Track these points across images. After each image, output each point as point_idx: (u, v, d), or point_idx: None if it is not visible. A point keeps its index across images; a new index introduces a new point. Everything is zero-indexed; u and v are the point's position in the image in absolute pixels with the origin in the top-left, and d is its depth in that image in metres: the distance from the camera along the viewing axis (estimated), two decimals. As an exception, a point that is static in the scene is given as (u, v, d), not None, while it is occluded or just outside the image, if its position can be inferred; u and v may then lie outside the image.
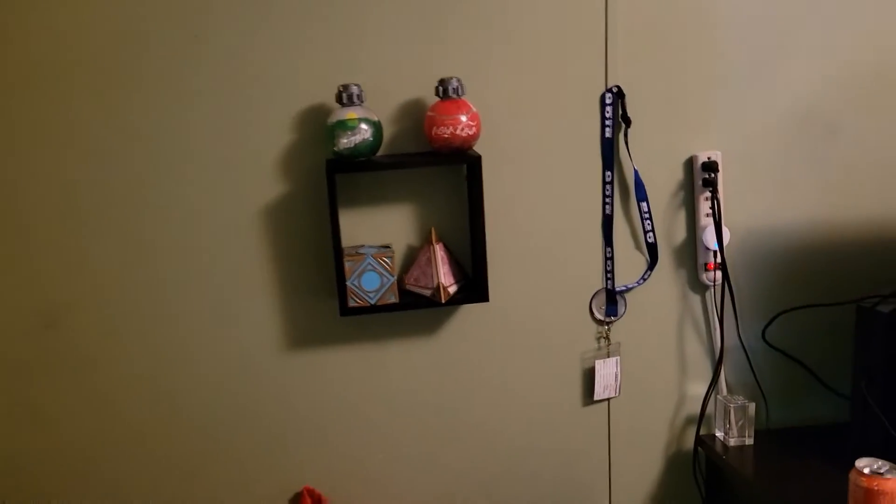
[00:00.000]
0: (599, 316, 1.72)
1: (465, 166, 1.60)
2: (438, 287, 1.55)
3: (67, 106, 1.50)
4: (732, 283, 1.70)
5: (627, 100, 1.61)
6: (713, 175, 1.64)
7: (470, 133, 1.49)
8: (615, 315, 1.72)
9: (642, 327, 1.74)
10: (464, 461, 1.75)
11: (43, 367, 1.60)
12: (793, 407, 1.80)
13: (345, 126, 1.45)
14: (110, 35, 1.48)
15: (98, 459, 1.65)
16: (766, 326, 1.74)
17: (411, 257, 1.64)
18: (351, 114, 1.46)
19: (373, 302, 1.54)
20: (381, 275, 1.53)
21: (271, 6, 1.50)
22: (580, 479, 1.79)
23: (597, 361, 1.73)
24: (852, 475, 1.27)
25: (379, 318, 1.65)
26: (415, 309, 1.57)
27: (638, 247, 1.70)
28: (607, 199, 1.66)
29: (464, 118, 1.47)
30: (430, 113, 1.50)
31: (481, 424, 1.74)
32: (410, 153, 1.58)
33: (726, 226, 1.66)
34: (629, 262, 1.71)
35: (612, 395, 1.76)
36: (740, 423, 1.68)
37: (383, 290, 1.54)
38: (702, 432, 1.77)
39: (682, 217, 1.70)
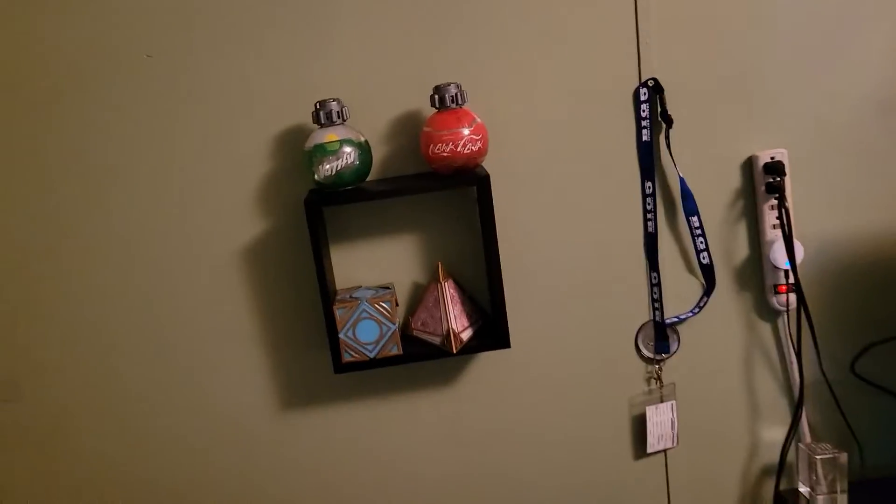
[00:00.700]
0: (648, 353, 1.45)
1: (474, 188, 1.35)
2: (449, 334, 1.30)
3: (11, 150, 1.30)
4: (810, 306, 1.40)
5: (667, 94, 1.33)
6: (779, 179, 1.34)
7: (474, 149, 1.23)
8: (667, 352, 1.44)
9: (701, 364, 1.46)
10: (496, 529, 1.49)
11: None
12: (894, 452, 1.49)
13: (324, 150, 1.22)
14: (50, 63, 1.28)
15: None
16: (857, 357, 1.43)
17: (417, 296, 1.40)
18: (331, 135, 1.22)
19: (371, 356, 1.30)
20: (379, 323, 1.29)
21: (232, 16, 1.27)
22: (637, 544, 1.52)
23: (648, 407, 1.45)
24: None
25: (381, 371, 1.41)
26: (422, 361, 1.32)
27: (690, 269, 1.42)
28: (649, 215, 1.39)
29: (466, 131, 1.22)
30: (425, 128, 1.25)
31: (511, 489, 1.48)
32: (407, 176, 1.34)
33: (797, 239, 1.37)
34: (680, 289, 1.43)
35: (669, 445, 1.48)
36: (830, 476, 1.38)
37: (383, 340, 1.30)
38: (781, 487, 1.47)
39: (742, 231, 1.41)
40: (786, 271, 1.38)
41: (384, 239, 1.37)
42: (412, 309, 1.40)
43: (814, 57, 1.34)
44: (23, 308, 1.37)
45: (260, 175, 1.33)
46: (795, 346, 1.40)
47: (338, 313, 1.28)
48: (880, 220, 1.41)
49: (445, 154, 1.22)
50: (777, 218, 1.37)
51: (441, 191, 1.33)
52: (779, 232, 1.37)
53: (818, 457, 1.37)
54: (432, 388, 1.44)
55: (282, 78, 1.30)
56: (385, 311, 1.29)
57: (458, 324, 1.32)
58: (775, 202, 1.36)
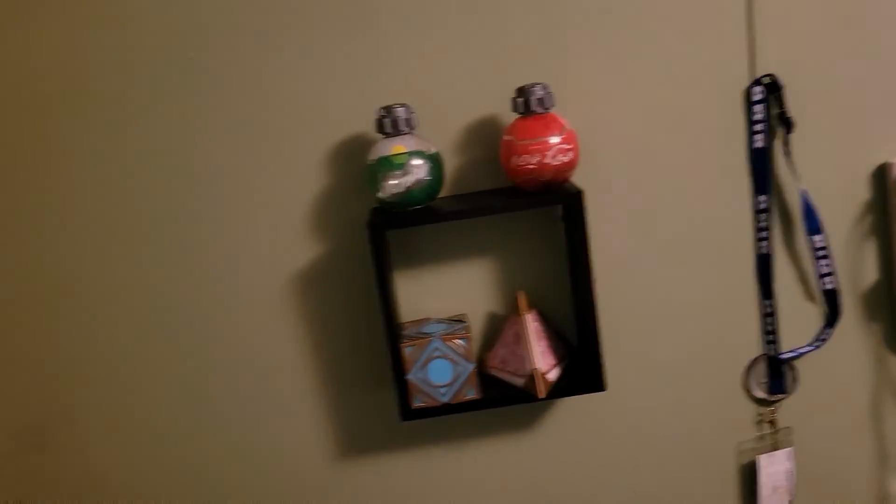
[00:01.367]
0: (760, 393, 1.25)
1: (559, 206, 1.17)
2: (534, 375, 1.12)
3: (46, 177, 1.16)
4: (953, 339, 1.19)
5: (786, 93, 1.14)
6: (920, 191, 1.14)
7: (565, 160, 1.05)
8: (782, 391, 1.24)
9: (822, 406, 1.26)
10: None
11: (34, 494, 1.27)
12: None
13: (391, 164, 1.05)
14: (88, 73, 1.13)
15: None
16: None
17: (494, 330, 1.22)
18: (398, 147, 1.06)
19: (445, 400, 1.13)
20: (453, 363, 1.11)
21: (282, 12, 1.11)
22: None
23: (760, 456, 1.25)
24: None
25: (455, 417, 1.24)
26: (503, 406, 1.14)
27: (809, 296, 1.22)
28: (763, 234, 1.19)
29: (555, 140, 1.04)
30: (506, 137, 1.07)
31: (604, 547, 1.30)
32: (484, 192, 1.16)
33: (942, 261, 1.16)
34: (798, 319, 1.23)
35: (786, 499, 1.27)
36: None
37: (458, 382, 1.12)
38: (917, 548, 1.27)
39: (870, 252, 1.21)
40: (927, 299, 1.18)
41: (455, 264, 1.20)
42: (489, 344, 1.22)
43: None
44: (63, 334, 1.22)
45: (315, 192, 1.17)
46: (939, 387, 1.20)
47: (406, 352, 1.10)
48: None
49: (531, 166, 1.05)
50: (916, 236, 1.17)
51: (526, 210, 1.15)
52: (918, 253, 1.17)
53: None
54: (511, 435, 1.25)
55: (339, 81, 1.13)
56: (461, 349, 1.11)
57: (544, 362, 1.14)
58: (915, 218, 1.16)
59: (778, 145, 1.17)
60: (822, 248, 1.18)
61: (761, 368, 1.24)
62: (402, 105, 1.07)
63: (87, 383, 1.23)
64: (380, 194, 1.06)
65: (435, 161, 1.07)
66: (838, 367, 1.24)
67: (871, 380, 1.24)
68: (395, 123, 1.06)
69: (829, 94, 1.15)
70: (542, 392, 1.11)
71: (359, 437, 1.26)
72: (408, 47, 1.12)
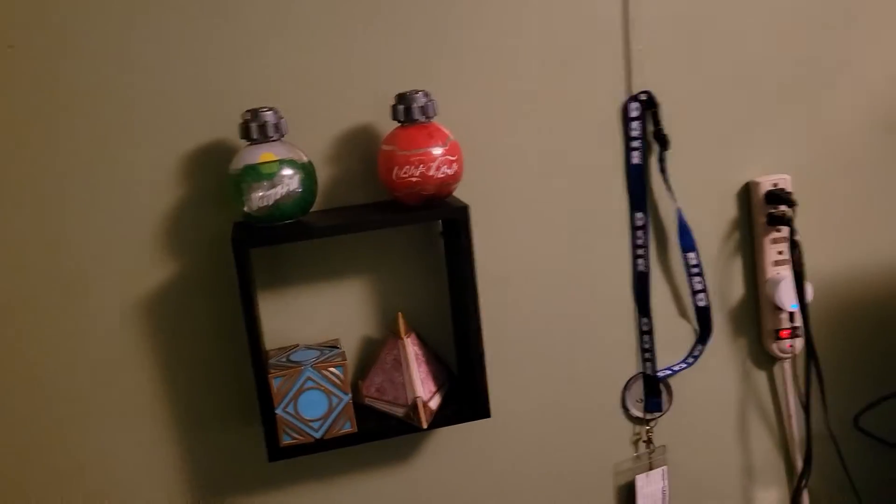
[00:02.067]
0: (637, 412, 1.24)
1: (439, 221, 1.10)
2: (416, 403, 1.03)
3: None
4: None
5: (662, 110, 1.14)
6: (784, 208, 1.17)
7: (449, 172, 0.99)
8: (658, 409, 1.24)
9: (694, 423, 1.26)
10: None
11: None
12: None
13: (258, 174, 0.93)
14: None
15: None
16: (863, 412, 1.28)
17: (369, 356, 1.13)
18: (267, 154, 0.94)
19: (318, 436, 1.02)
20: (328, 394, 1.01)
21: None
22: None
23: (638, 476, 1.24)
24: None
25: (330, 452, 1.13)
26: (383, 439, 1.05)
27: (682, 313, 1.22)
28: (640, 251, 1.18)
29: (439, 151, 0.97)
30: (385, 147, 0.99)
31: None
32: (360, 206, 1.07)
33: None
34: (670, 336, 1.23)
35: (660, 519, 1.27)
36: (839, 546, 1.22)
37: (333, 415, 1.02)
38: (783, 557, 1.30)
39: (737, 268, 1.23)
40: (790, 314, 1.21)
41: (327, 284, 1.09)
42: (363, 371, 1.12)
43: (825, 67, 1.19)
44: None
45: (169, 205, 1.02)
46: (803, 398, 1.23)
47: (275, 384, 0.99)
48: (893, 255, 1.27)
49: (415, 179, 0.97)
50: (779, 253, 1.20)
51: (408, 225, 1.07)
52: (780, 269, 1.20)
53: (830, 525, 1.21)
54: (389, 467, 1.16)
55: (198, 79, 1.00)
56: (336, 379, 1.01)
57: (426, 390, 1.06)
58: (779, 235, 1.19)
59: (654, 162, 1.16)
60: (696, 266, 1.19)
61: (638, 387, 1.23)
62: (271, 108, 0.96)
63: None
64: (246, 208, 0.95)
65: (307, 171, 0.97)
66: (708, 383, 1.25)
67: (737, 393, 1.26)
68: (262, 129, 0.95)
69: (701, 112, 1.16)
70: (424, 422, 1.03)
71: (224, 480, 1.11)
72: (276, 44, 1.02)
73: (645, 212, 1.17)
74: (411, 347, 1.07)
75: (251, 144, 0.96)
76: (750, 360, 1.26)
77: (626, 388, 1.23)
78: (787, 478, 1.31)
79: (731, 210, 1.21)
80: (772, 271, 1.21)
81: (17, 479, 1.06)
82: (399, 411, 1.06)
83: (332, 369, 1.00)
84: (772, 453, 1.30)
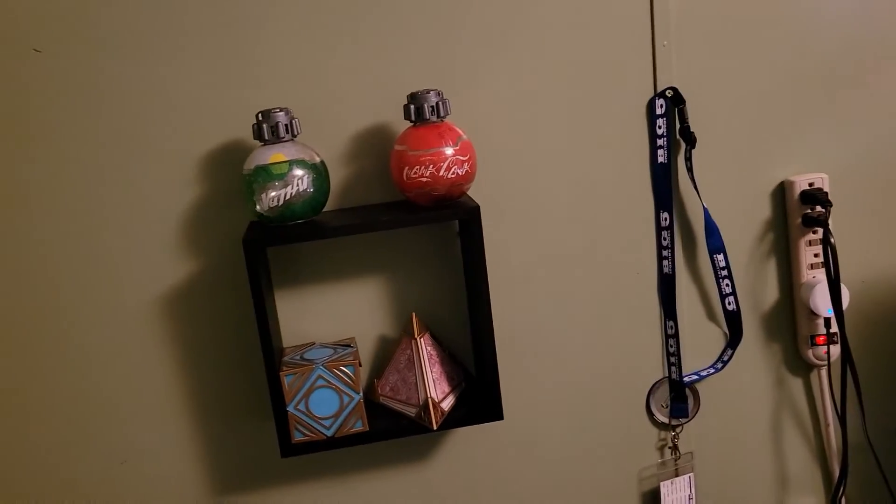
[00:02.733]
0: (662, 418, 1.20)
1: (456, 221, 1.10)
2: (427, 404, 1.03)
3: None
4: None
5: (688, 107, 1.10)
6: (822, 209, 1.12)
7: (461, 173, 0.97)
8: (685, 416, 1.20)
9: (723, 429, 1.22)
10: None
11: None
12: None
13: (268, 174, 0.94)
14: None
15: None
16: (905, 420, 1.22)
17: (385, 355, 1.13)
18: (277, 155, 0.95)
19: (329, 434, 1.03)
20: (339, 392, 1.02)
21: (156, 7, 0.99)
22: None
23: (663, 483, 1.21)
24: None
25: (343, 449, 1.14)
26: (394, 438, 1.05)
27: (712, 317, 1.18)
28: (665, 252, 1.15)
29: (450, 151, 0.96)
30: (398, 147, 0.99)
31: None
32: (373, 206, 1.07)
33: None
34: (699, 341, 1.19)
35: (686, 526, 1.24)
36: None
37: (344, 414, 1.02)
38: (817, 572, 1.25)
39: (771, 271, 1.18)
40: (826, 319, 1.15)
41: (343, 283, 1.10)
42: (379, 370, 1.13)
43: (865, 64, 1.13)
44: None
45: (189, 205, 1.04)
46: (839, 407, 1.18)
47: (286, 381, 1.00)
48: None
49: (425, 179, 0.96)
50: (815, 256, 1.15)
51: (418, 225, 1.06)
52: (816, 273, 1.15)
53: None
54: (403, 467, 1.16)
55: (214, 82, 1.02)
56: (347, 378, 1.01)
57: (438, 390, 1.05)
58: (815, 237, 1.14)
59: (680, 161, 1.13)
60: (725, 268, 1.15)
61: (663, 392, 1.20)
62: (283, 109, 0.96)
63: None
64: (257, 208, 0.96)
65: (319, 172, 0.97)
66: (739, 389, 1.21)
67: (771, 401, 1.22)
68: (274, 129, 0.96)
69: (731, 109, 1.12)
70: (435, 423, 1.03)
71: (238, 474, 1.13)
72: (290, 47, 1.02)
73: (670, 212, 1.13)
74: (425, 347, 1.06)
75: (264, 145, 0.97)
76: (784, 367, 1.21)
77: (651, 392, 1.19)
78: (824, 487, 1.26)
79: (764, 210, 1.16)
80: (807, 275, 1.16)
81: (39, 465, 1.10)
82: (411, 411, 1.06)
83: (343, 368, 1.01)
84: (807, 462, 1.25)
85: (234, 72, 1.02)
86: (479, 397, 1.08)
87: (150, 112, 1.02)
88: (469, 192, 1.08)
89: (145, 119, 1.02)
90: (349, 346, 1.08)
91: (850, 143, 1.15)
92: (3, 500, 1.11)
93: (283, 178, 0.94)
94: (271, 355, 0.99)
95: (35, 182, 1.02)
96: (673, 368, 1.18)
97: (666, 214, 1.13)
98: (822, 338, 1.17)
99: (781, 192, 1.15)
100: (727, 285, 1.15)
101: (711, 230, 1.13)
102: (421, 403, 1.04)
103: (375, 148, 1.06)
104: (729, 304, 1.16)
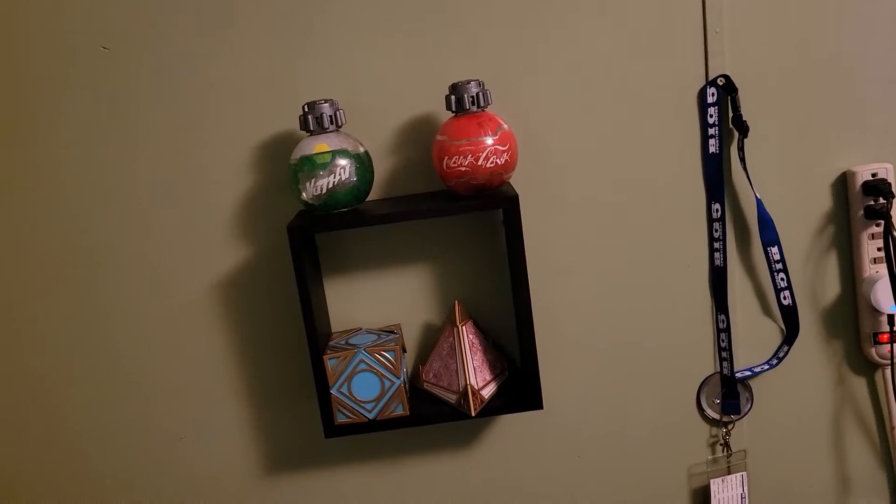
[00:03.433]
0: (713, 414, 1.18)
1: (500, 210, 1.10)
2: (467, 391, 1.05)
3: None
4: (918, 360, 1.12)
5: (741, 95, 1.07)
6: (885, 201, 1.07)
7: (500, 163, 0.98)
8: (737, 412, 1.17)
9: (779, 427, 1.19)
10: None
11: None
12: None
13: (313, 164, 0.98)
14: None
15: None
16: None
17: (430, 341, 1.15)
18: (321, 145, 0.99)
19: (371, 416, 1.06)
20: (381, 377, 1.04)
21: (207, 6, 1.05)
22: None
23: (712, 480, 1.18)
24: None
25: (386, 432, 1.17)
26: (433, 424, 1.07)
27: (767, 312, 1.15)
28: (717, 245, 1.12)
29: (489, 141, 0.97)
30: (439, 137, 1.00)
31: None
32: (417, 196, 1.09)
33: (905, 276, 1.09)
34: (754, 336, 1.16)
35: (738, 526, 1.21)
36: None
37: (385, 398, 1.05)
38: (879, 580, 1.19)
39: (832, 265, 1.14)
40: (890, 316, 1.10)
41: (391, 272, 1.13)
42: (424, 356, 1.15)
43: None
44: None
45: (242, 194, 1.10)
46: (902, 410, 1.12)
47: (329, 364, 1.03)
48: None
49: (463, 169, 0.98)
50: (878, 250, 1.10)
51: (457, 215, 1.08)
52: (881, 268, 1.10)
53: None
54: (446, 454, 1.18)
55: (264, 75, 1.06)
56: (388, 363, 1.04)
57: (479, 378, 1.07)
58: (878, 230, 1.09)
59: (732, 151, 1.10)
60: (780, 261, 1.11)
61: (714, 387, 1.17)
62: (328, 101, 1.00)
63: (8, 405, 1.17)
64: (303, 196, 0.99)
65: (362, 161, 1.00)
66: (796, 386, 1.17)
67: (831, 400, 1.17)
68: (319, 120, 0.99)
69: (787, 98, 1.08)
70: (474, 410, 1.04)
71: (284, 452, 1.18)
72: (337, 41, 1.05)
73: (722, 203, 1.10)
74: (467, 335, 1.08)
75: (309, 136, 1.00)
76: (846, 365, 1.16)
77: (702, 388, 1.17)
78: (889, 491, 1.20)
79: (823, 202, 1.12)
80: (869, 269, 1.11)
81: (101, 438, 1.18)
82: (452, 398, 1.07)
83: (384, 353, 1.04)
84: (870, 464, 1.19)
85: (286, 66, 1.06)
86: (521, 387, 1.09)
87: (206, 105, 1.07)
88: (515, 182, 1.08)
89: (202, 112, 1.07)
90: (393, 332, 1.10)
91: (919, 131, 1.10)
92: (76, 472, 1.19)
93: (327, 168, 0.98)
94: (315, 338, 1.02)
95: (100, 170, 1.09)
96: (724, 363, 1.15)
97: (717, 206, 1.11)
98: (885, 335, 1.12)
99: (843, 182, 1.11)
100: (782, 279, 1.11)
101: (765, 222, 1.10)
102: (461, 390, 1.06)
103: (422, 138, 1.08)
104: (784, 298, 1.12)
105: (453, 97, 0.99)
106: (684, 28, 1.06)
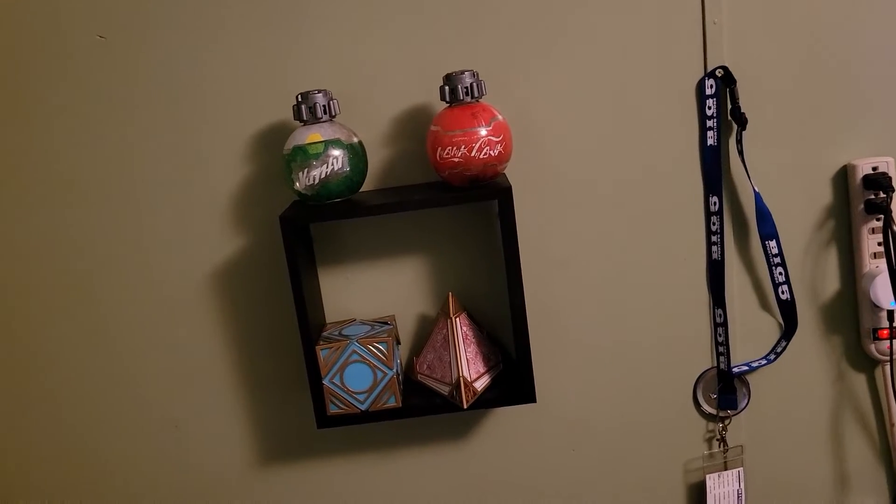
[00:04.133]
0: (710, 409, 1.17)
1: (496, 202, 1.10)
2: (459, 383, 1.04)
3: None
4: (918, 356, 1.11)
5: (740, 87, 1.06)
6: (884, 195, 1.06)
7: (493, 154, 0.98)
8: (734, 407, 1.16)
9: (776, 423, 1.18)
10: None
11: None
12: None
13: (305, 154, 0.97)
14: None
15: None
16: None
17: (425, 332, 1.15)
18: (314, 135, 0.98)
19: (363, 408, 1.05)
20: (373, 368, 1.04)
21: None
22: None
23: (708, 476, 1.17)
24: None
25: (378, 423, 1.17)
26: (425, 415, 1.07)
27: (765, 307, 1.14)
28: (714, 238, 1.11)
29: (483, 132, 0.97)
30: (433, 127, 1.00)
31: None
32: (411, 186, 1.09)
33: (905, 272, 1.08)
34: (752, 330, 1.15)
35: (734, 522, 1.20)
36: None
37: (378, 389, 1.05)
38: (877, 579, 1.18)
39: (832, 260, 1.12)
40: (889, 312, 1.09)
41: (386, 262, 1.12)
42: (418, 347, 1.15)
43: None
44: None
45: (235, 184, 1.09)
46: (901, 407, 1.11)
47: (322, 355, 1.03)
48: None
49: (456, 159, 0.97)
50: (879, 245, 1.08)
51: (451, 206, 1.07)
52: (881, 262, 1.09)
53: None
54: (440, 446, 1.18)
55: (258, 65, 1.06)
56: (380, 354, 1.04)
57: (472, 370, 1.06)
58: (878, 224, 1.08)
59: (731, 143, 1.08)
60: (778, 255, 1.10)
61: (711, 382, 1.16)
62: (321, 91, 0.99)
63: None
64: (296, 186, 0.99)
65: (356, 152, 1.00)
66: (794, 382, 1.16)
67: (829, 396, 1.16)
68: (312, 110, 0.99)
69: (786, 90, 1.07)
70: (466, 402, 1.04)
71: (277, 442, 1.19)
72: (331, 31, 1.05)
73: (720, 196, 1.09)
74: (460, 327, 1.07)
75: (303, 125, 1.00)
76: (845, 361, 1.15)
77: (699, 382, 1.16)
78: (888, 488, 1.19)
79: (823, 196, 1.10)
80: (870, 264, 1.09)
81: (93, 428, 1.19)
82: (445, 390, 1.07)
83: (376, 344, 1.03)
84: (869, 461, 1.18)
85: (281, 56, 1.06)
86: (515, 379, 1.09)
87: (200, 95, 1.07)
88: (510, 173, 1.08)
89: (195, 102, 1.07)
90: (387, 323, 1.10)
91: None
92: (71, 460, 1.20)
93: (320, 158, 0.97)
94: (307, 329, 1.02)
95: (93, 161, 1.09)
96: (721, 358, 1.14)
97: (715, 199, 1.10)
98: (885, 331, 1.10)
99: (843, 176, 1.09)
100: (781, 274, 1.10)
101: (763, 215, 1.09)
102: (453, 382, 1.05)
103: (417, 129, 1.08)
104: (783, 293, 1.11)
105: (447, 87, 0.99)
106: (683, 19, 1.05)
